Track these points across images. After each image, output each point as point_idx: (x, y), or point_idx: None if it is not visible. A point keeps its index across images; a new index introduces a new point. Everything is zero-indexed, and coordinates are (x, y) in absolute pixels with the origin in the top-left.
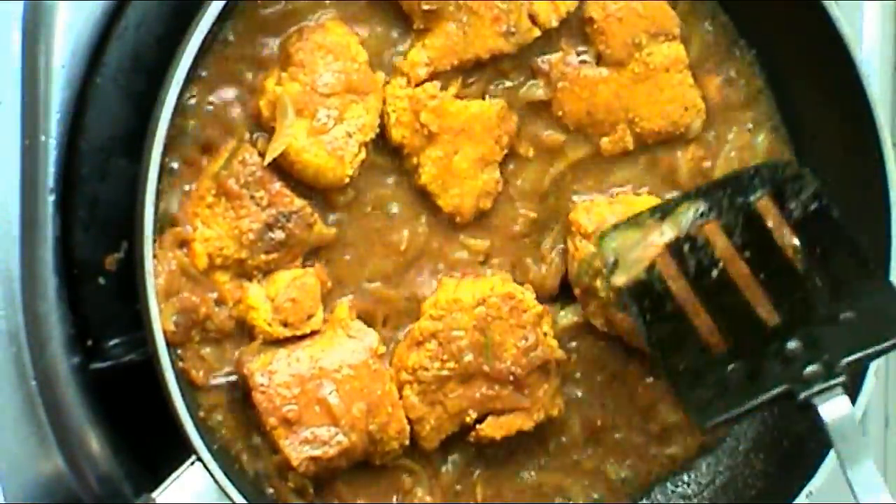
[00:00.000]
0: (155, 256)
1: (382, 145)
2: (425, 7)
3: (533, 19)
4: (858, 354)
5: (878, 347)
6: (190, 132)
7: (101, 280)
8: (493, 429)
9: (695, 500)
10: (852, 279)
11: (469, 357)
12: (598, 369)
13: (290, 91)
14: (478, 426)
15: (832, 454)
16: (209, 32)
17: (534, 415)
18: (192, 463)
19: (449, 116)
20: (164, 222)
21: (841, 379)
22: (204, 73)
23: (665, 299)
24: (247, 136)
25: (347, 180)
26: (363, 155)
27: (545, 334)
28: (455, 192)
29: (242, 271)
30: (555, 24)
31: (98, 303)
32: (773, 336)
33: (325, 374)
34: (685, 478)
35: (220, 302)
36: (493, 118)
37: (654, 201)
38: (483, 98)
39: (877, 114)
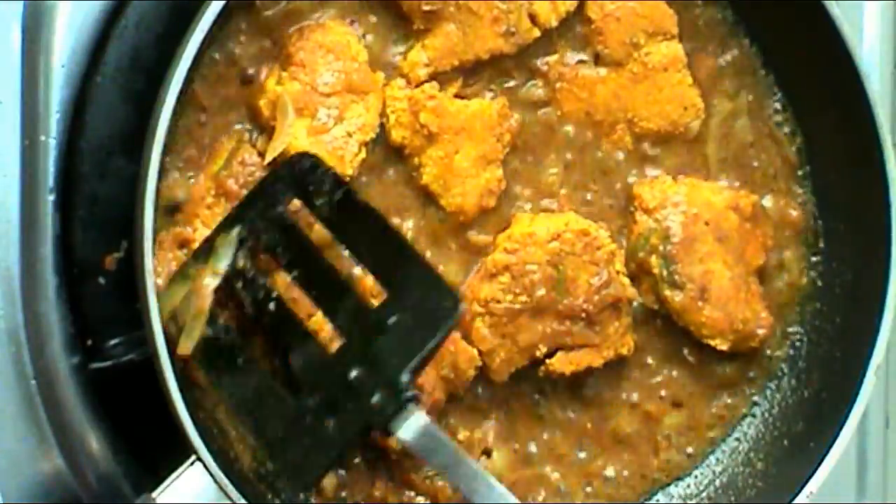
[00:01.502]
0: (155, 256)
1: (384, 144)
2: (426, 7)
3: (533, 19)
4: (413, 362)
5: (429, 346)
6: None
7: (101, 280)
8: (563, 364)
9: (694, 501)
10: (395, 271)
11: (541, 291)
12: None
13: (290, 90)
14: (547, 361)
15: (832, 454)
16: (209, 32)
17: (603, 352)
18: (192, 463)
19: (448, 116)
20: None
21: (408, 394)
22: (204, 74)
23: (235, 351)
24: (246, 136)
25: (347, 180)
26: (363, 154)
27: (618, 272)
28: (457, 192)
29: None
30: (555, 24)
31: (98, 302)
32: (338, 365)
33: None
34: (685, 478)
35: None
36: (494, 116)
37: (717, 188)
38: (483, 97)
39: (877, 114)
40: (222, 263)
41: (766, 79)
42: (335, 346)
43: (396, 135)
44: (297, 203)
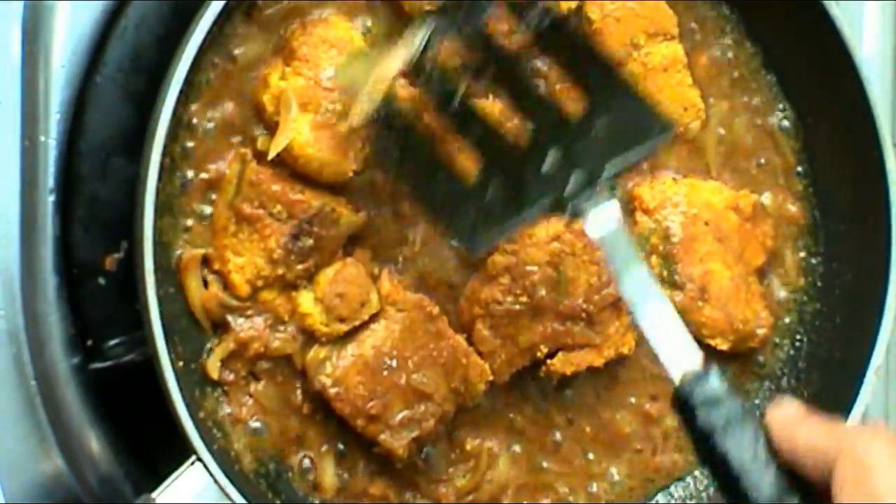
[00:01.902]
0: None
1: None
2: (427, 7)
3: None
4: (620, 157)
5: (638, 148)
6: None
7: (101, 280)
8: (564, 364)
9: (694, 501)
10: (602, 90)
11: (542, 292)
12: None
13: (293, 85)
14: (548, 361)
15: None
16: (209, 32)
17: (604, 351)
18: (192, 463)
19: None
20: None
21: (607, 182)
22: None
23: (409, 130)
24: (248, 155)
25: (351, 174)
26: (367, 149)
27: None
28: None
29: (286, 284)
30: None
31: (98, 303)
32: (529, 155)
33: (392, 356)
34: (686, 479)
35: (276, 323)
36: (496, 118)
37: (717, 187)
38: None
39: (877, 114)
40: (411, 49)
41: (766, 79)
42: (525, 139)
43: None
44: (500, 14)
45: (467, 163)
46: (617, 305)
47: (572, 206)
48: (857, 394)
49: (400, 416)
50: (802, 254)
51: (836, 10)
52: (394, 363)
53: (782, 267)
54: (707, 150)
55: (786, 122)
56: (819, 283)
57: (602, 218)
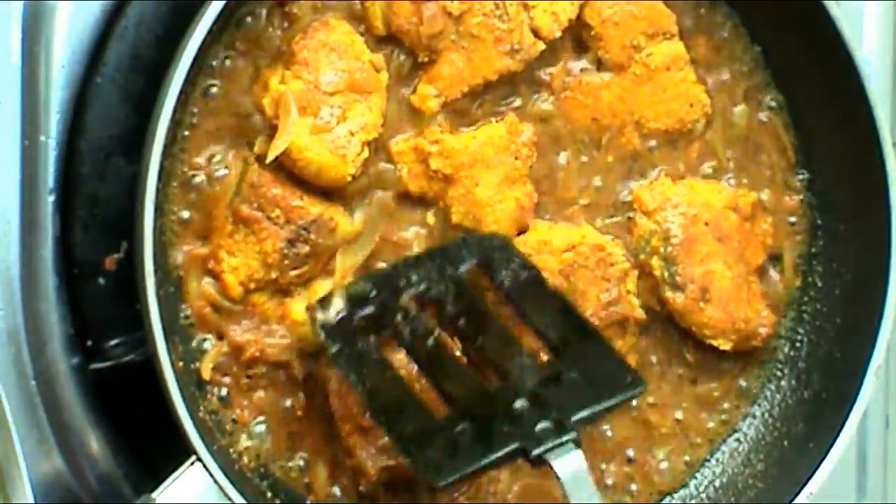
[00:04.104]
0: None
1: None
2: (426, 33)
3: (536, 33)
4: (588, 410)
5: (607, 403)
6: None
7: (101, 280)
8: None
9: (694, 501)
10: (570, 340)
11: None
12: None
13: (293, 89)
14: None
15: (832, 454)
16: (209, 32)
17: None
18: (192, 463)
19: (457, 154)
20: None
21: (573, 435)
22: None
23: (383, 367)
24: (251, 158)
25: (350, 178)
26: (366, 154)
27: (628, 291)
28: (490, 221)
29: (278, 289)
30: (558, 34)
31: (98, 303)
32: (497, 398)
33: None
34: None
35: (269, 328)
36: (504, 137)
37: (716, 187)
38: (493, 119)
39: (877, 114)
40: (337, 306)
41: (766, 78)
42: (494, 382)
43: (414, 186)
44: (475, 270)
45: (434, 403)
46: (623, 325)
47: (537, 453)
48: (857, 394)
49: (385, 439)
50: (802, 253)
51: (836, 11)
52: None
53: (781, 266)
54: (716, 147)
55: (785, 122)
56: (819, 283)
57: (565, 464)
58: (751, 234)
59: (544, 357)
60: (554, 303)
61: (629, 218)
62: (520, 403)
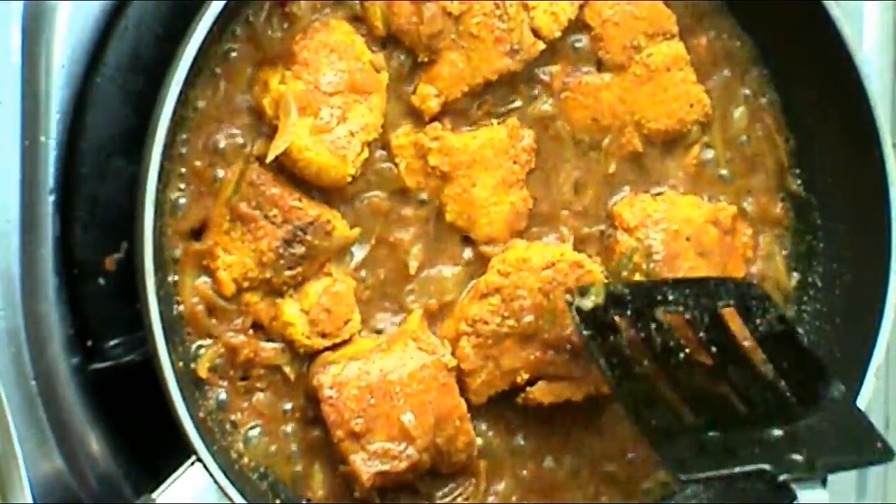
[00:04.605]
0: (178, 294)
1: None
2: (426, 32)
3: (535, 33)
4: (838, 459)
5: (857, 459)
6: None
7: (101, 280)
8: (543, 393)
9: (694, 501)
10: (821, 396)
11: (529, 318)
12: None
13: (293, 89)
14: (528, 388)
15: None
16: (209, 32)
17: (583, 387)
18: (192, 463)
19: (456, 152)
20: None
21: (823, 474)
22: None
23: (633, 362)
24: (249, 148)
25: (350, 179)
26: (366, 154)
27: None
28: (484, 223)
29: (271, 289)
30: (558, 34)
31: (98, 303)
32: (747, 421)
33: (395, 387)
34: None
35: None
36: (505, 140)
37: (696, 202)
38: (493, 120)
39: (877, 114)
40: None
41: (765, 78)
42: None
43: (411, 181)
44: (731, 310)
45: (682, 408)
46: None
47: (785, 479)
48: (857, 394)
49: (378, 444)
50: (802, 254)
51: (836, 10)
52: (394, 394)
53: (774, 269)
54: (716, 148)
55: (785, 122)
56: (819, 283)
57: (812, 497)
58: (731, 248)
59: (792, 400)
60: (810, 363)
61: (609, 236)
62: (775, 432)
